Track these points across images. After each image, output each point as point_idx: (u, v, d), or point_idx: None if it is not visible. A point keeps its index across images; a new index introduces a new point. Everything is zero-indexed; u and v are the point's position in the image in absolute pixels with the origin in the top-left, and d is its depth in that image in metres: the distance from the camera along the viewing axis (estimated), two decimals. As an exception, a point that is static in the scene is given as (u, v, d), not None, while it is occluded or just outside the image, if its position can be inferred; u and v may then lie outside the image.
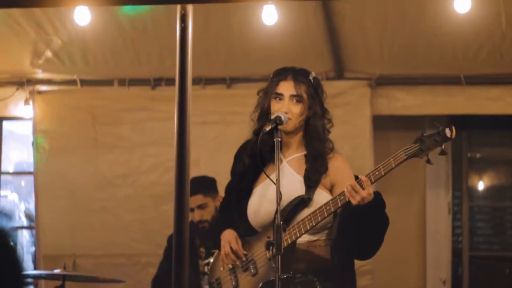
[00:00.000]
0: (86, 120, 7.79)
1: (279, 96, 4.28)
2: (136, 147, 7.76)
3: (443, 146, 4.05)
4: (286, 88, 4.28)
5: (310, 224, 4.11)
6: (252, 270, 4.28)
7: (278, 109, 4.24)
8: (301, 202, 4.20)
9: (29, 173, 8.13)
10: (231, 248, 4.30)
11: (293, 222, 4.17)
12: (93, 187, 7.74)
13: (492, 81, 7.54)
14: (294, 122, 4.25)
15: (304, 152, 4.34)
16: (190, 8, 2.50)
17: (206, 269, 4.54)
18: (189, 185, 2.35)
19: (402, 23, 7.00)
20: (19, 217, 8.50)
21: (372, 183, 4.01)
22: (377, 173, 4.03)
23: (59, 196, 7.75)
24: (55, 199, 7.75)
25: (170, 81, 7.60)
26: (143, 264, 7.67)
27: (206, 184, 6.41)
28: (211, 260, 4.55)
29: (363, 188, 3.98)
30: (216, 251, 4.52)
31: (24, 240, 8.49)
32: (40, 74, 7.76)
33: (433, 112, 7.65)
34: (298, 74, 4.32)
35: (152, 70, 7.66)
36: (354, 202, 3.99)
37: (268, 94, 4.33)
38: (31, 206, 8.23)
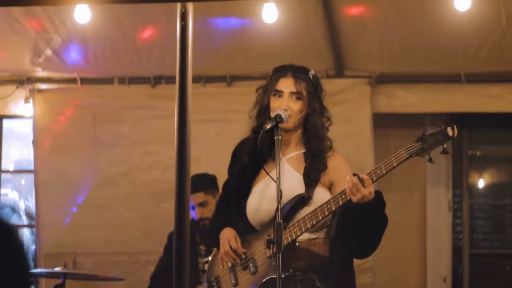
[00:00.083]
0: (86, 118, 7.79)
1: (279, 93, 4.28)
2: (136, 145, 7.76)
3: (445, 145, 4.05)
4: (286, 85, 4.28)
5: (311, 222, 4.11)
6: (252, 269, 4.28)
7: (278, 106, 4.24)
8: (301, 200, 4.20)
9: (29, 171, 8.12)
10: (230, 246, 4.30)
11: (292, 220, 4.17)
12: (93, 185, 7.74)
13: (493, 79, 7.54)
14: (293, 119, 4.25)
15: (303, 150, 4.33)
16: (190, 6, 2.50)
17: (205, 267, 4.54)
18: (190, 183, 2.35)
19: (402, 21, 7.00)
20: (20, 215, 8.49)
21: (373, 181, 4.01)
22: (378, 171, 4.03)
23: (59, 194, 7.75)
24: (55, 197, 7.76)
25: (170, 79, 7.61)
26: (143, 262, 7.67)
27: (207, 182, 6.42)
28: (210, 258, 4.55)
29: (364, 187, 3.98)
30: (215, 249, 4.52)
31: (25, 239, 8.49)
32: (40, 73, 7.76)
33: (434, 110, 7.66)
34: (297, 71, 4.32)
35: (152, 68, 7.66)
36: (354, 199, 3.99)
37: (268, 91, 4.33)
38: (31, 204, 8.23)
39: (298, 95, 4.27)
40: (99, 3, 6.72)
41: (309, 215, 4.12)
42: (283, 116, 4.14)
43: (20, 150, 8.82)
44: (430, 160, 4.07)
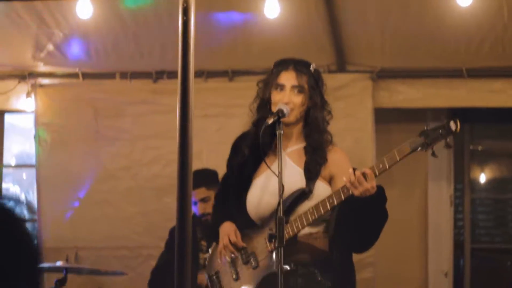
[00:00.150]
0: (87, 113, 7.79)
1: (281, 87, 4.28)
2: (138, 140, 7.77)
3: (447, 139, 4.05)
4: (288, 78, 4.28)
5: (313, 217, 4.11)
6: (253, 263, 4.28)
7: (280, 99, 4.23)
8: (302, 194, 4.21)
9: (31, 166, 8.13)
10: (229, 240, 4.30)
11: (293, 214, 4.18)
12: (95, 179, 7.75)
13: (494, 74, 7.54)
14: (295, 113, 4.25)
15: (304, 144, 4.34)
16: (192, 1, 2.50)
17: (206, 262, 4.54)
18: (192, 178, 2.36)
19: (404, 16, 7.00)
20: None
21: (376, 176, 4.01)
22: (381, 166, 4.03)
23: (61, 188, 7.76)
24: (57, 191, 7.76)
25: (172, 74, 7.61)
26: (145, 256, 7.68)
27: (208, 177, 6.42)
28: (209, 253, 4.55)
29: (366, 180, 3.98)
30: (214, 244, 4.52)
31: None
32: (42, 67, 7.76)
33: (435, 105, 7.66)
34: (299, 65, 4.32)
35: (154, 63, 7.66)
36: (356, 193, 3.99)
37: (269, 85, 4.33)
38: (33, 199, 8.23)
39: (299, 89, 4.27)
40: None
41: (311, 210, 4.12)
42: (285, 111, 4.15)
43: (22, 145, 8.82)
44: (433, 154, 4.07)
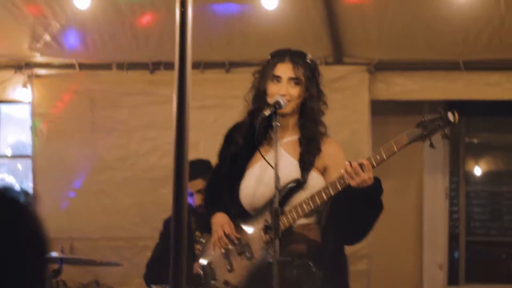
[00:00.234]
0: (84, 103, 7.79)
1: (277, 79, 4.27)
2: (135, 130, 7.77)
3: (445, 130, 4.05)
4: (284, 70, 4.27)
5: (309, 207, 4.11)
6: (248, 254, 4.27)
7: (276, 91, 4.23)
8: (297, 185, 4.20)
9: (27, 156, 8.12)
10: (224, 232, 4.29)
11: (287, 205, 4.17)
12: (91, 170, 7.75)
13: (491, 67, 7.55)
14: (291, 104, 4.25)
15: (298, 135, 4.33)
16: (189, -8, 2.50)
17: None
18: (188, 169, 2.35)
19: (401, 8, 6.99)
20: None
21: (373, 167, 4.01)
22: (378, 156, 4.02)
23: (57, 179, 7.76)
24: (53, 182, 7.76)
25: (168, 65, 7.61)
26: (140, 247, 7.68)
27: (204, 168, 6.41)
28: (203, 244, 4.53)
29: (363, 171, 3.97)
30: (206, 235, 4.50)
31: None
32: (39, 58, 7.75)
33: (432, 97, 7.66)
34: (295, 56, 4.31)
35: (150, 54, 7.65)
36: (353, 184, 3.98)
37: (265, 76, 4.31)
38: (28, 190, 8.23)
39: (296, 81, 4.26)
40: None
41: (307, 200, 4.11)
42: (282, 103, 4.14)
43: (18, 136, 8.81)
44: (432, 145, 4.07)
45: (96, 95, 7.79)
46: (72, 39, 7.50)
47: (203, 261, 4.43)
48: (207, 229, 4.48)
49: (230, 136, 4.47)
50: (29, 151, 7.95)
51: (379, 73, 7.64)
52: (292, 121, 4.33)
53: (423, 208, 8.18)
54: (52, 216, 7.65)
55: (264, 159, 4.16)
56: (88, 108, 7.76)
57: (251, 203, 4.31)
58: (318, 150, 4.27)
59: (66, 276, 6.62)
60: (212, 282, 4.36)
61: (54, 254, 6.09)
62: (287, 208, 4.15)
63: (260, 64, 4.46)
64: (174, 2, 2.52)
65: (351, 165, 3.99)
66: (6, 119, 8.65)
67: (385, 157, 4.03)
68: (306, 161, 4.24)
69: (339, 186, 4.05)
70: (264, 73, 4.34)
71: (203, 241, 4.52)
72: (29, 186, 8.00)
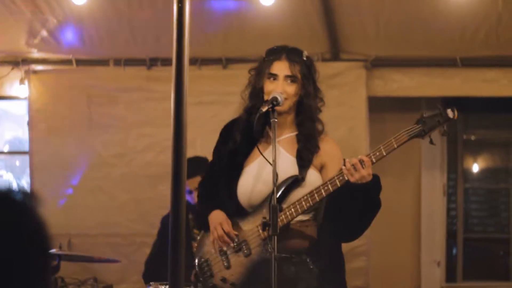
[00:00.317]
0: (81, 99, 7.78)
1: (274, 76, 4.25)
2: (132, 127, 7.76)
3: (445, 127, 4.04)
4: (281, 68, 4.25)
5: (308, 204, 4.10)
6: (245, 251, 4.26)
7: (273, 89, 4.21)
8: (295, 182, 4.19)
9: (24, 152, 8.12)
10: (223, 230, 4.27)
11: (285, 202, 4.16)
12: (88, 166, 7.74)
13: (488, 64, 7.55)
14: (288, 102, 4.23)
15: (295, 132, 4.32)
16: (187, -12, 2.50)
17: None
18: (186, 166, 2.34)
19: (398, 5, 6.99)
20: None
21: (373, 163, 4.00)
22: (378, 153, 4.01)
23: (54, 175, 7.75)
24: (50, 178, 7.76)
25: (165, 61, 7.60)
26: (138, 244, 7.68)
27: (202, 165, 6.40)
28: (197, 241, 4.51)
29: (363, 168, 3.97)
30: (201, 232, 4.49)
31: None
32: (36, 54, 7.74)
33: (429, 94, 7.67)
34: (292, 54, 4.29)
35: (147, 50, 7.64)
36: (352, 180, 3.97)
37: (262, 74, 4.30)
38: (26, 186, 8.22)
39: (293, 78, 4.24)
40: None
41: (306, 197, 4.10)
42: (279, 99, 4.12)
43: (15, 131, 8.80)
44: (431, 142, 4.07)
45: (93, 91, 7.79)
46: (69, 35, 7.49)
47: (199, 258, 4.41)
48: (203, 227, 4.46)
49: (227, 133, 4.45)
50: (26, 147, 7.95)
51: (376, 70, 7.65)
52: (289, 119, 4.31)
53: (421, 205, 8.18)
54: (50, 212, 7.59)
55: (263, 155, 4.15)
56: (85, 104, 7.75)
57: (248, 200, 4.30)
58: (316, 148, 4.26)
59: (64, 272, 6.62)
60: (209, 279, 4.35)
61: (52, 250, 6.08)
62: (285, 205, 4.14)
63: (257, 60, 4.44)
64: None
65: (350, 161, 3.98)
66: (3, 115, 8.65)
67: (384, 154, 4.02)
68: (304, 159, 4.23)
69: (338, 183, 4.04)
70: (260, 71, 4.32)
71: (199, 238, 4.50)
72: (26, 183, 8.00)
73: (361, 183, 3.97)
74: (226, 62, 7.72)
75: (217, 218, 4.29)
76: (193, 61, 7.57)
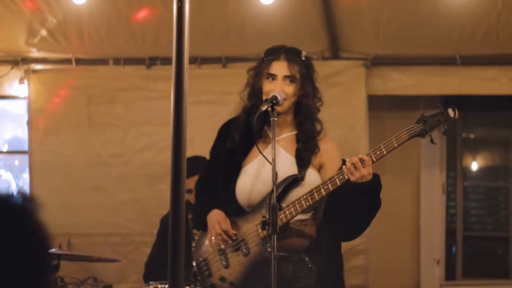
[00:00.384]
0: (80, 99, 7.77)
1: (272, 76, 4.25)
2: (131, 126, 7.76)
3: (445, 126, 4.05)
4: (279, 68, 4.25)
5: (307, 203, 4.10)
6: (244, 250, 4.26)
7: (272, 89, 4.21)
8: (294, 181, 4.20)
9: (23, 152, 8.11)
10: (221, 228, 4.27)
11: (284, 201, 4.16)
12: (87, 166, 7.74)
13: (487, 62, 7.55)
14: (287, 102, 4.23)
15: (294, 132, 4.32)
16: (186, -13, 2.50)
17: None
18: (186, 166, 2.34)
19: (398, 3, 6.99)
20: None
21: (373, 162, 4.00)
22: (378, 152, 4.02)
23: (54, 175, 7.75)
24: (49, 178, 7.75)
25: (165, 61, 7.60)
26: (137, 243, 7.68)
27: (201, 165, 6.39)
28: (195, 240, 4.51)
29: (363, 167, 3.97)
30: (200, 232, 4.49)
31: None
32: (35, 53, 7.73)
33: (428, 92, 7.67)
34: (290, 54, 4.29)
35: (147, 49, 7.64)
36: (353, 179, 3.98)
37: (260, 74, 4.30)
38: (25, 185, 8.22)
39: (291, 79, 4.24)
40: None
41: (305, 196, 4.10)
42: (279, 98, 4.12)
43: (14, 131, 8.80)
44: (432, 141, 4.07)
45: (92, 90, 7.78)
46: (68, 34, 7.48)
47: (197, 258, 4.41)
48: (201, 227, 4.45)
49: (225, 133, 4.45)
50: (25, 147, 7.94)
51: (375, 68, 7.64)
52: (287, 118, 4.32)
53: (420, 204, 8.18)
54: (49, 212, 7.60)
55: (262, 154, 4.14)
56: (84, 104, 7.75)
57: (247, 200, 4.30)
58: (316, 148, 4.26)
59: (64, 272, 6.61)
60: (208, 278, 4.35)
61: (52, 250, 6.08)
62: (284, 205, 4.14)
63: (257, 59, 4.44)
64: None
65: (351, 160, 3.98)
66: (2, 115, 8.64)
67: (385, 153, 4.03)
68: (304, 158, 4.24)
69: (338, 182, 4.04)
70: (259, 71, 4.32)
71: (197, 238, 4.50)
72: (25, 182, 8.00)
73: (362, 182, 3.98)
74: (225, 61, 7.71)
75: (215, 217, 4.29)
76: (193, 60, 7.57)
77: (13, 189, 8.49)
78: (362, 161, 3.98)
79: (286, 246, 4.11)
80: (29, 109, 7.79)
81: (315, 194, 4.09)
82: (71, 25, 7.37)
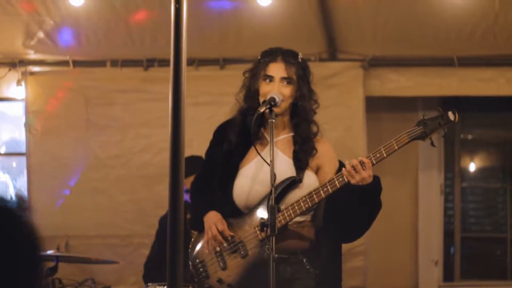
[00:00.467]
0: (78, 101, 7.78)
1: (269, 78, 4.25)
2: (129, 128, 7.76)
3: (445, 129, 4.06)
4: (277, 70, 4.25)
5: (306, 205, 4.10)
6: (242, 252, 4.25)
7: (269, 90, 4.21)
8: (292, 183, 4.19)
9: (21, 154, 8.11)
10: (217, 230, 4.26)
11: (282, 203, 4.16)
12: (85, 167, 7.74)
13: (485, 63, 7.56)
14: (284, 104, 4.23)
15: (290, 134, 4.32)
16: (184, -12, 2.50)
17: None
18: (184, 167, 2.34)
19: (395, 4, 6.99)
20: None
21: (373, 164, 4.01)
22: (378, 155, 4.02)
23: (52, 177, 7.75)
24: (47, 179, 7.75)
25: (162, 62, 7.60)
26: (135, 245, 7.68)
27: (199, 164, 6.39)
28: (191, 242, 4.50)
29: (364, 169, 3.97)
30: (195, 233, 4.48)
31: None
32: (33, 55, 7.74)
33: (426, 93, 7.68)
34: (287, 56, 4.29)
35: (144, 51, 7.64)
36: (353, 181, 3.98)
37: (257, 76, 4.29)
38: (23, 187, 8.21)
39: (288, 80, 4.24)
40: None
41: (304, 198, 4.10)
42: (277, 99, 4.11)
43: (12, 133, 8.79)
44: (432, 144, 4.08)
45: (90, 92, 7.78)
46: (66, 36, 7.49)
47: (193, 259, 4.40)
48: (198, 228, 4.44)
49: (221, 134, 4.44)
50: (23, 149, 7.94)
51: (373, 70, 7.65)
52: (284, 120, 4.31)
53: (418, 205, 8.19)
54: (47, 213, 7.64)
55: (261, 156, 4.14)
56: (82, 105, 7.75)
57: (245, 201, 4.29)
58: (313, 150, 4.26)
59: (62, 274, 6.61)
60: (205, 280, 4.34)
61: (50, 252, 6.08)
62: (282, 206, 4.13)
63: (254, 61, 4.44)
64: (168, -2, 2.51)
65: (350, 163, 3.99)
66: (0, 117, 8.63)
67: (385, 155, 4.03)
68: (302, 160, 4.23)
69: (338, 185, 4.04)
70: (256, 73, 4.31)
71: (193, 239, 4.49)
72: (22, 185, 7.99)
73: (362, 184, 3.98)
74: (223, 62, 7.72)
75: (212, 218, 4.29)
76: (190, 62, 7.57)
77: (11, 191, 8.49)
78: (362, 163, 3.98)
79: (284, 247, 4.10)
80: (27, 111, 7.79)
81: (315, 196, 4.08)
82: (68, 27, 7.37)
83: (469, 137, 8.68)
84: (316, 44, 7.47)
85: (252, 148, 4.21)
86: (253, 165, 4.28)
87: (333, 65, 7.60)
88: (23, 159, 7.92)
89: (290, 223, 4.16)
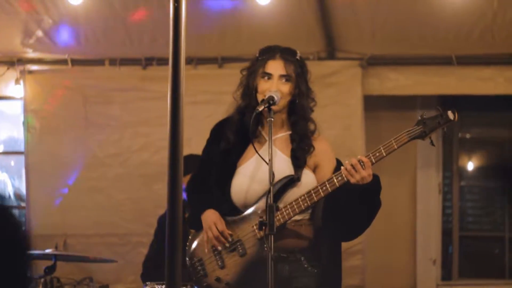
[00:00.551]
0: (77, 99, 7.77)
1: (268, 75, 4.25)
2: (127, 126, 7.75)
3: (445, 128, 4.06)
4: (275, 67, 4.25)
5: (305, 204, 4.10)
6: (241, 251, 4.25)
7: (268, 88, 4.21)
8: (290, 182, 4.19)
9: (19, 152, 8.11)
10: (217, 229, 4.25)
11: (280, 201, 4.16)
12: (84, 166, 7.74)
13: (483, 62, 7.56)
14: (283, 101, 4.23)
15: (288, 132, 4.32)
16: (183, -13, 2.50)
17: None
18: (183, 165, 2.34)
19: (394, 3, 6.99)
20: (9, 197, 8.48)
21: (372, 164, 4.01)
22: (378, 154, 4.02)
23: (50, 175, 7.75)
24: (45, 178, 7.75)
25: (161, 61, 7.60)
26: (134, 243, 7.68)
27: (196, 163, 6.39)
28: (189, 241, 4.49)
29: (363, 168, 3.97)
30: (193, 231, 4.47)
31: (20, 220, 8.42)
32: (31, 54, 7.73)
33: (425, 92, 7.68)
34: (286, 53, 4.29)
35: (143, 50, 7.64)
36: (353, 181, 3.98)
37: (255, 73, 4.29)
38: (21, 186, 8.21)
39: (287, 78, 4.24)
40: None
41: (303, 197, 4.10)
42: (275, 98, 4.11)
43: (10, 131, 8.78)
44: (432, 143, 4.08)
45: (88, 91, 7.78)
46: (64, 35, 7.48)
47: (191, 258, 4.40)
48: (196, 227, 4.43)
49: (218, 133, 4.44)
50: (21, 147, 7.93)
51: (371, 68, 7.65)
52: (281, 118, 4.31)
53: (416, 204, 8.19)
54: (46, 212, 7.65)
55: (259, 155, 4.13)
56: (80, 104, 7.75)
57: (243, 200, 4.29)
58: (311, 148, 4.26)
59: (60, 272, 6.61)
60: (203, 278, 4.34)
61: (48, 250, 6.09)
62: (280, 205, 4.13)
63: (252, 59, 4.43)
64: (167, -3, 2.51)
65: (350, 162, 3.99)
66: (-2, 115, 8.63)
67: (384, 154, 4.03)
68: (300, 158, 4.23)
69: (337, 183, 4.04)
70: (254, 70, 4.31)
71: (190, 237, 4.48)
72: (20, 183, 7.98)
73: (362, 184, 3.98)
74: (222, 61, 7.71)
75: (211, 217, 4.28)
76: (189, 60, 7.56)
77: (9, 190, 8.49)
78: (361, 162, 3.98)
79: (282, 246, 4.11)
80: (25, 110, 7.78)
81: (314, 195, 4.08)
82: (67, 26, 7.36)
83: (468, 136, 8.68)
84: (315, 43, 7.47)
85: (250, 147, 4.20)
86: (251, 164, 4.27)
87: (331, 64, 7.60)
88: (22, 158, 7.92)
89: (289, 221, 4.16)
